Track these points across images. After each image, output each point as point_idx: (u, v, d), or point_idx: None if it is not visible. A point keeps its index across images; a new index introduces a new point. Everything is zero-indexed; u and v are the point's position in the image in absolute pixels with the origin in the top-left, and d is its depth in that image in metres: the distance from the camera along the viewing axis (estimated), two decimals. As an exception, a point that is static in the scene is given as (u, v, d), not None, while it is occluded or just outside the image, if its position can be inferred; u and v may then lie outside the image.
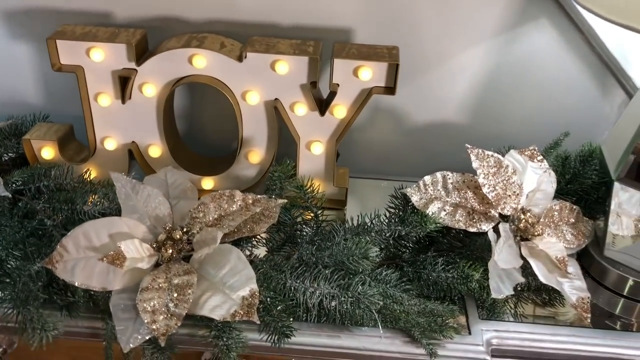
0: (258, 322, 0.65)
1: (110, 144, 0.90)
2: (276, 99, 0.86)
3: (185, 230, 0.72)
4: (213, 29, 0.93)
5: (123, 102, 0.86)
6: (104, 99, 0.86)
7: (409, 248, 0.79)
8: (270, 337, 0.68)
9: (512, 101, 0.99)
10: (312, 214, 0.81)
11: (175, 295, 0.66)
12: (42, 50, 1.00)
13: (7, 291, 0.67)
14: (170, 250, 0.70)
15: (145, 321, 0.64)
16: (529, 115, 1.00)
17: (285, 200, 0.77)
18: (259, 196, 0.76)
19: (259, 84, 0.84)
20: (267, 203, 0.76)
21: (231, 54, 0.83)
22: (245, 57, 0.82)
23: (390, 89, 0.83)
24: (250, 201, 0.75)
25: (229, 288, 0.67)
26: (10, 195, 0.82)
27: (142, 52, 0.84)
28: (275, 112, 0.86)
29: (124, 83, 0.85)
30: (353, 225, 0.77)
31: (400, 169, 1.04)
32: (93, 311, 0.70)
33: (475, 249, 0.78)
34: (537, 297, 0.80)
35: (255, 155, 0.91)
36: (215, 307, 0.66)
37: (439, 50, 0.95)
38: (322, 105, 0.85)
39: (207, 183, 0.94)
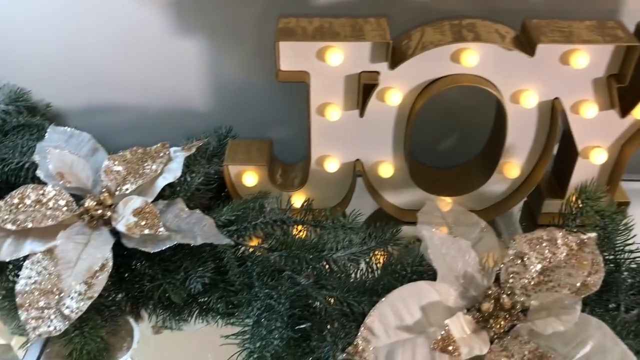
0: None
1: (332, 165, 0.72)
2: (556, 98, 0.67)
3: (508, 292, 0.55)
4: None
5: (361, 114, 0.67)
6: (334, 112, 0.67)
7: None
8: None
9: None
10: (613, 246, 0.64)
11: (537, 390, 0.50)
12: (212, 45, 0.80)
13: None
14: (503, 323, 0.53)
15: None
16: None
17: (594, 235, 0.60)
18: (583, 236, 0.58)
19: (541, 82, 0.65)
20: (591, 244, 0.58)
21: (519, 47, 0.63)
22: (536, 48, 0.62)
23: None
24: (575, 244, 0.57)
25: (601, 375, 0.50)
26: (232, 243, 0.65)
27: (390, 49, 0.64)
28: (553, 115, 0.67)
29: (364, 90, 0.66)
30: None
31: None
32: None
33: None
34: None
35: (513, 168, 0.72)
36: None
37: None
38: (623, 102, 0.66)
39: (444, 203, 0.76)
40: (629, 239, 0.63)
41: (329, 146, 0.71)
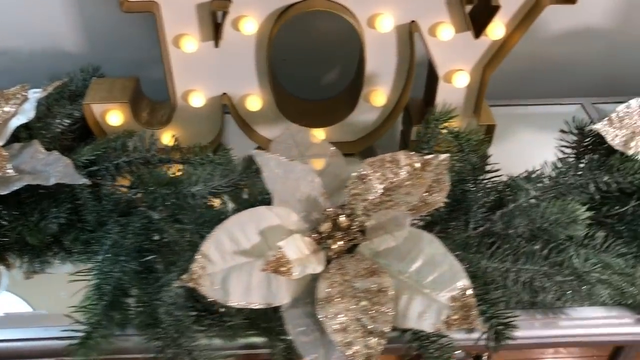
0: (483, 329, 0.51)
1: (198, 100, 0.71)
2: (412, 21, 0.66)
3: (348, 213, 0.56)
4: None
5: (216, 44, 0.66)
6: (189, 43, 0.66)
7: (612, 200, 0.64)
8: (486, 337, 0.54)
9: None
10: (470, 167, 0.65)
11: (366, 304, 0.51)
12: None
13: (143, 325, 0.51)
14: (341, 243, 0.54)
15: (338, 345, 0.49)
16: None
17: (448, 156, 0.61)
18: (426, 156, 0.59)
19: (396, 4, 0.64)
20: (434, 163, 0.59)
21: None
22: (380, -31, 0.61)
23: (567, -4, 0.64)
24: (418, 165, 0.58)
25: (430, 287, 0.51)
26: (89, 182, 0.63)
27: (236, -25, 0.63)
28: (409, 38, 0.67)
29: (215, 19, 0.64)
30: (542, 181, 0.62)
31: (533, 89, 0.86)
32: (251, 327, 0.55)
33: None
34: None
35: (380, 96, 0.72)
36: (422, 314, 0.51)
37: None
38: (477, 23, 0.66)
39: (318, 135, 0.75)
40: (485, 160, 0.65)
41: (192, 80, 0.70)
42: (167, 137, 0.73)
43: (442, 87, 0.71)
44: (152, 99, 0.76)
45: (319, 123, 0.74)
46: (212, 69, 0.69)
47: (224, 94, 0.71)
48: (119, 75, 0.77)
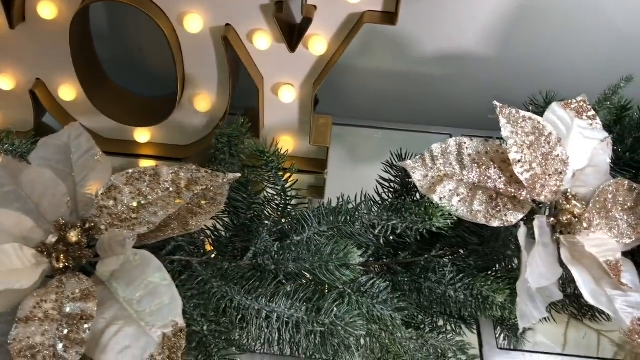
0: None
1: (5, 83, 0.66)
2: (227, 24, 0.61)
3: (87, 227, 0.50)
4: None
5: (11, 26, 0.61)
6: (-15, 21, 0.61)
7: (405, 245, 0.58)
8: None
9: (555, 28, 0.74)
10: (278, 189, 0.60)
11: (66, 332, 0.46)
12: None
13: None
14: (63, 259, 0.49)
15: (20, 371, 0.45)
16: (576, 49, 0.75)
17: (238, 175, 0.55)
18: (198, 173, 0.53)
19: (202, 3, 0.59)
20: (210, 181, 0.54)
21: (158, -41, 0.57)
22: (179, -37, 0.56)
23: (389, 16, 0.58)
24: (184, 184, 0.53)
25: (146, 319, 0.46)
26: None
27: (29, -47, 0.58)
28: (226, 44, 0.62)
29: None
30: (330, 214, 0.56)
31: (401, 113, 0.80)
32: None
33: (497, 247, 0.57)
34: (572, 306, 0.60)
35: (203, 101, 0.67)
36: (126, 349, 0.46)
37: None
38: (293, 36, 0.60)
39: (142, 135, 0.71)
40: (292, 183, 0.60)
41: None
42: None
43: (268, 99, 0.66)
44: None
45: (138, 122, 0.69)
46: (16, 52, 0.64)
47: (39, 79, 0.67)
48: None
